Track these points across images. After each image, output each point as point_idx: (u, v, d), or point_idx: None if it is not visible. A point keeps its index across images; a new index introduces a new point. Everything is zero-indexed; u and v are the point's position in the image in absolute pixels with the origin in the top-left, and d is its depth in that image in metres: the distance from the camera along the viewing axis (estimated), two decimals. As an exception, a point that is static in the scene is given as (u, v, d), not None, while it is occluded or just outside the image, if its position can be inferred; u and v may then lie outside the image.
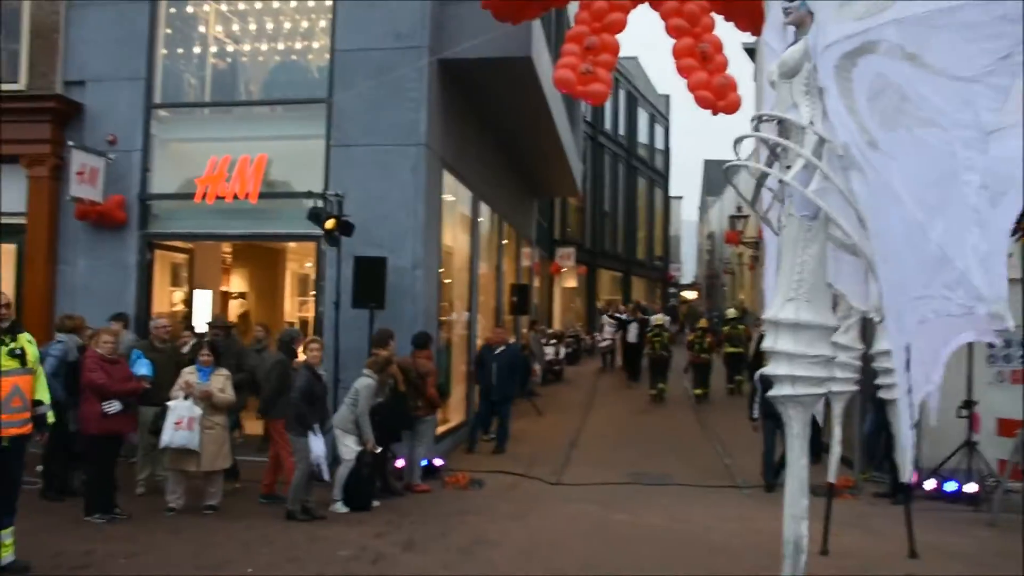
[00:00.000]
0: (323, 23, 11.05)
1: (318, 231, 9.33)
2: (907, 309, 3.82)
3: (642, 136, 38.16)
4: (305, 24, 11.47)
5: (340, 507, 7.87)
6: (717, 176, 50.09)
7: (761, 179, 4.84)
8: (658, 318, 18.58)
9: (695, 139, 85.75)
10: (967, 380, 8.78)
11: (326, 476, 7.65)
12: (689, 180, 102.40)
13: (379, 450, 8.23)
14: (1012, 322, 3.69)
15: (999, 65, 3.21)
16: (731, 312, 20.76)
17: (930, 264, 3.62)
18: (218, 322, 10.16)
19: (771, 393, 4.40)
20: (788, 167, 4.33)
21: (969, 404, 8.81)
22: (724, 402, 17.34)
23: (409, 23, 10.15)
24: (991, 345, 8.80)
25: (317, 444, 7.54)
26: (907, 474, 6.52)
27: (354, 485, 7.92)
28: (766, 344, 4.39)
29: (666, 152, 42.71)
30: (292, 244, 14.00)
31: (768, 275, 5.40)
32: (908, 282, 3.76)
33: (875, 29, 3.58)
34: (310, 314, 15.79)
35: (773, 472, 9.34)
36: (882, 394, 5.35)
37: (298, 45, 11.48)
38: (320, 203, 9.33)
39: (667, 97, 41.97)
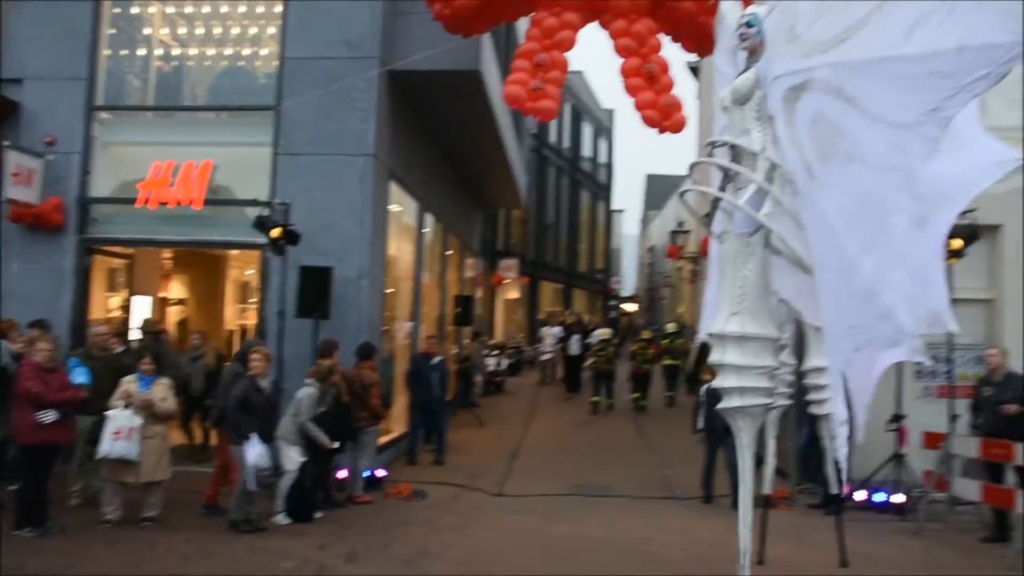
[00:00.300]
0: (272, 30, 10.98)
1: (263, 239, 9.25)
2: (843, 335, 4.02)
3: (586, 150, 38.62)
4: (254, 30, 11.38)
5: (282, 518, 7.81)
6: (658, 190, 50.98)
7: (716, 201, 5.02)
8: (603, 332, 18.82)
9: (637, 153, 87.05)
10: (896, 395, 9.16)
11: (251, 486, 7.47)
12: (631, 194, 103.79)
13: (336, 445, 8.23)
14: (927, 360, 3.93)
15: (929, 117, 3.38)
16: (671, 326, 21.37)
17: (860, 297, 3.81)
18: (147, 327, 9.96)
19: (720, 406, 4.55)
20: (742, 189, 4.51)
21: (897, 418, 9.18)
22: (662, 413, 17.75)
23: (360, 33, 10.18)
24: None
25: (250, 454, 7.42)
26: (838, 486, 6.81)
27: (297, 496, 7.87)
28: (713, 358, 4.55)
29: (609, 166, 43.26)
30: (234, 251, 13.81)
31: (709, 290, 5.57)
32: (843, 310, 3.95)
33: (819, 68, 3.77)
34: (250, 322, 15.64)
35: (709, 484, 9.54)
36: (813, 409, 5.58)
37: (246, 51, 11.38)
38: (266, 211, 9.25)
39: (611, 111, 42.55)
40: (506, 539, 7.70)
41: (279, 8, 10.56)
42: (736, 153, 4.70)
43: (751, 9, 4.79)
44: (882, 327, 3.74)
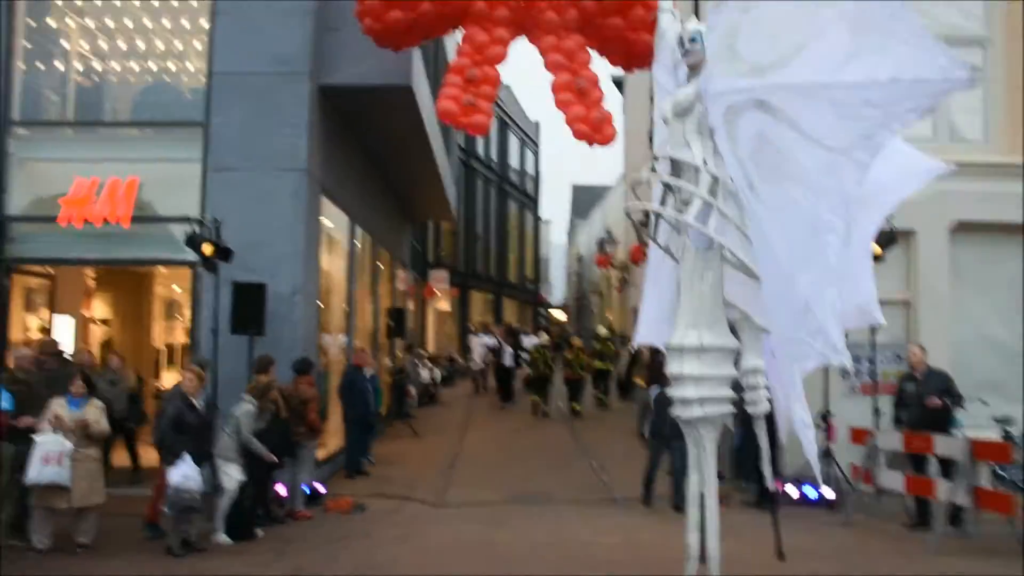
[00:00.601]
0: (199, 45, 10.85)
1: (193, 256, 9.16)
2: (781, 346, 4.24)
3: (513, 161, 38.93)
4: (179, 45, 11.22)
5: (223, 538, 7.72)
6: (585, 200, 51.60)
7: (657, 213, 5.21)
8: (543, 338, 19.98)
9: (563, 163, 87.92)
10: (823, 393, 9.58)
11: (168, 508, 7.31)
12: (558, 204, 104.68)
13: (275, 460, 8.18)
14: (855, 380, 4.19)
15: (862, 143, 3.60)
16: (601, 330, 22.02)
17: (798, 311, 4.01)
18: (47, 348, 9.63)
19: (682, 416, 4.68)
20: (685, 202, 4.68)
21: (826, 415, 9.60)
22: (596, 417, 18.18)
23: (290, 48, 10.16)
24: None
25: (174, 474, 7.28)
26: (772, 482, 7.10)
27: (237, 515, 7.79)
28: (672, 369, 4.69)
29: (536, 176, 43.68)
30: (162, 268, 13.53)
31: (646, 297, 5.72)
32: (784, 322, 4.17)
33: (760, 89, 3.96)
34: (178, 340, 15.32)
35: (650, 487, 9.73)
36: (749, 409, 5.80)
37: (172, 66, 11.20)
38: (197, 228, 9.14)
39: (537, 123, 42.97)
40: (452, 549, 7.76)
41: (206, 23, 10.46)
42: (677, 166, 4.88)
43: (696, 26, 5.00)
44: (815, 343, 3.94)
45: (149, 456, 9.57)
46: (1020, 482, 9.54)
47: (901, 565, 7.30)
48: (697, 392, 4.59)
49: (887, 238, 8.62)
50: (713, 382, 4.59)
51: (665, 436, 8.97)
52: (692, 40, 4.87)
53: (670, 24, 5.66)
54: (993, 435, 8.96)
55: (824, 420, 9.56)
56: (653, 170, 5.07)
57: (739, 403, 5.05)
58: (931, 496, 8.31)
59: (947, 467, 8.27)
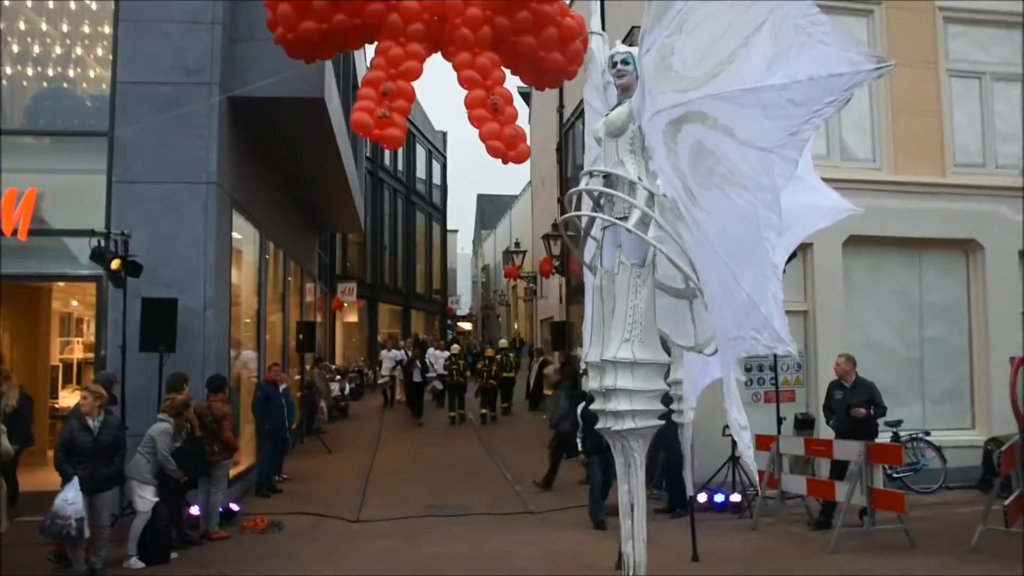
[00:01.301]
0: (101, 52, 10.51)
1: (98, 270, 8.87)
2: (726, 347, 4.46)
3: (420, 172, 38.88)
4: (79, 51, 10.83)
5: (135, 562, 7.46)
6: (490, 210, 51.99)
7: (587, 228, 5.38)
8: (455, 348, 20.53)
9: (469, 174, 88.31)
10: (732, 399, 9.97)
11: (43, 533, 6.96)
12: (463, 213, 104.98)
13: (185, 479, 7.99)
14: (759, 388, 4.44)
15: (790, 140, 3.88)
16: (502, 342, 23.04)
17: (741, 309, 4.23)
18: None
19: (616, 428, 4.85)
20: (622, 218, 4.85)
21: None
22: (507, 427, 18.52)
23: (197, 58, 9.95)
24: (747, 369, 10.15)
25: (58, 498, 6.92)
26: (692, 489, 7.42)
27: (151, 538, 7.55)
28: (606, 383, 4.85)
29: (443, 187, 43.73)
30: (59, 283, 12.97)
31: (587, 316, 5.86)
32: (728, 323, 4.38)
33: (696, 102, 4.19)
34: (75, 356, 14.70)
35: (601, 506, 9.31)
36: (675, 418, 6.06)
37: (71, 73, 10.80)
38: (103, 242, 8.85)
39: (444, 134, 43.06)
40: (375, 565, 7.74)
41: (108, 30, 10.14)
42: (609, 182, 5.07)
43: (624, 48, 5.22)
44: (761, 337, 4.17)
45: (42, 480, 9.16)
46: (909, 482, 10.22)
47: (804, 565, 7.69)
48: (630, 405, 4.76)
49: (790, 254, 9.07)
50: (645, 396, 4.78)
51: (604, 449, 9.14)
52: (624, 62, 5.10)
53: (599, 47, 5.88)
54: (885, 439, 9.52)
55: (729, 428, 9.93)
56: (587, 184, 5.25)
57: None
58: (831, 498, 8.78)
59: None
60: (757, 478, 8.49)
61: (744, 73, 3.93)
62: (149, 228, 9.36)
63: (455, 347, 20.80)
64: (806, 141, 3.93)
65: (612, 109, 5.21)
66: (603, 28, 6.35)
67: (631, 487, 4.91)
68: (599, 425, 5.05)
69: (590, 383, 5.09)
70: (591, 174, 5.32)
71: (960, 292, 12.19)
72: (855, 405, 8.85)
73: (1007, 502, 8.24)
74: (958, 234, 11.92)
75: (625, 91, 5.13)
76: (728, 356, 4.59)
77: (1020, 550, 7.65)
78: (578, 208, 5.67)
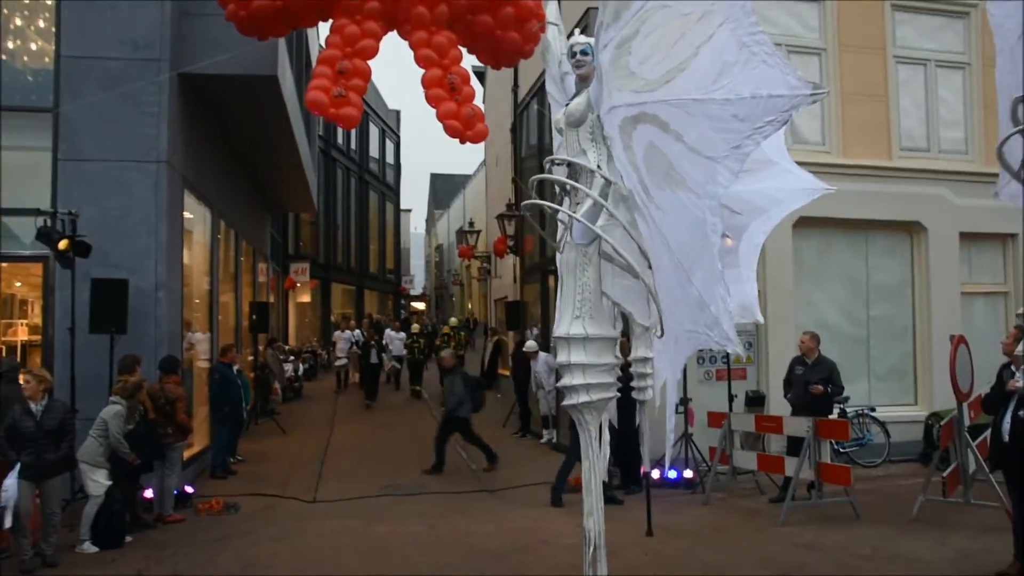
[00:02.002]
0: (43, 24, 10.20)
1: (45, 251, 8.68)
2: (681, 338, 4.56)
3: (373, 151, 38.48)
4: (18, 22, 10.47)
5: (88, 547, 7.36)
6: (444, 189, 51.74)
7: (554, 214, 5.47)
8: (415, 327, 21.41)
9: (422, 153, 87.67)
10: (682, 379, 10.17)
11: (7, 523, 6.85)
12: (416, 192, 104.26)
13: (139, 462, 7.88)
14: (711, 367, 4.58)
15: (732, 152, 3.98)
16: (453, 321, 23.79)
17: (694, 305, 4.35)
18: None
19: (571, 402, 4.95)
20: (579, 204, 4.95)
21: (684, 400, 10.19)
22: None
23: (146, 33, 9.73)
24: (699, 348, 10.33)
25: (6, 486, 6.81)
26: (648, 465, 7.58)
27: (104, 522, 7.46)
28: (560, 359, 4.96)
29: (397, 166, 43.37)
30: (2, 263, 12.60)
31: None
32: (681, 315, 4.49)
33: (650, 104, 4.26)
34: (19, 339, 14.33)
35: (563, 484, 9.34)
36: (636, 395, 6.17)
37: (11, 45, 10.43)
38: (49, 221, 8.64)
39: (397, 112, 42.64)
40: (332, 544, 7.76)
41: (50, 1, 9.84)
42: (573, 170, 5.14)
43: (586, 39, 5.27)
44: (711, 333, 4.30)
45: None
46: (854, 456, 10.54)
47: (754, 538, 7.91)
48: (584, 379, 4.88)
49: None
50: (597, 369, 4.90)
51: None
52: (584, 53, 5.15)
53: (555, 38, 5.93)
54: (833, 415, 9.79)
55: (683, 405, 10.15)
56: (549, 171, 5.33)
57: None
58: (780, 472, 9.03)
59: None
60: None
61: (693, 82, 4.03)
62: (97, 207, 9.18)
63: (415, 326, 21.42)
64: (747, 155, 4.03)
65: (571, 99, 5.27)
66: (560, 16, 6.40)
67: (594, 463, 5.01)
68: (564, 402, 5.15)
69: (558, 357, 5.18)
70: (555, 162, 5.39)
71: (904, 273, 12.55)
72: (813, 382, 9.10)
73: (945, 474, 8.58)
74: (903, 216, 12.25)
75: (584, 80, 5.19)
76: (684, 347, 4.72)
77: (957, 519, 7.99)
78: (540, 193, 5.76)
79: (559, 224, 5.51)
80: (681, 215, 4.24)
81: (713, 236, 4.14)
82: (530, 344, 14.00)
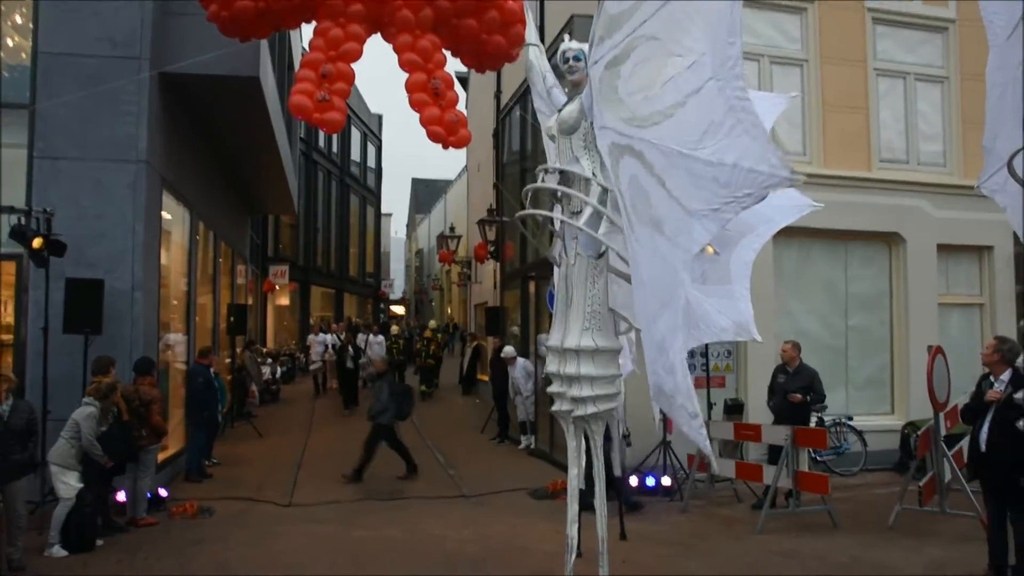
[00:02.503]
0: (19, 19, 10.07)
1: (18, 249, 8.55)
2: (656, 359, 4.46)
3: (355, 154, 38.35)
4: (-4, 18, 10.33)
5: (58, 550, 7.24)
6: (425, 194, 51.64)
7: (546, 223, 5.45)
8: (395, 329, 22.21)
9: (404, 158, 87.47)
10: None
11: None
12: (397, 197, 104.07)
13: (112, 464, 7.76)
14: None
15: (711, 214, 3.91)
16: (432, 324, 24.37)
17: (656, 345, 4.29)
18: None
19: (578, 413, 4.95)
20: (575, 213, 4.92)
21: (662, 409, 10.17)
22: (435, 409, 18.59)
23: (126, 31, 9.64)
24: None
25: None
26: (620, 470, 7.57)
27: (75, 525, 7.33)
28: (568, 370, 4.93)
29: (378, 170, 43.23)
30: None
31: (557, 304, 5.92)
32: (647, 351, 4.40)
33: (637, 141, 4.21)
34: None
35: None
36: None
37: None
38: (23, 219, 8.51)
39: (379, 116, 42.54)
40: (307, 549, 7.68)
41: (29, -4, 9.73)
42: (566, 178, 5.12)
43: (576, 45, 5.25)
44: (667, 379, 4.21)
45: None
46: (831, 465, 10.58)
47: (732, 545, 7.92)
48: (592, 391, 4.89)
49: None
50: (604, 381, 4.92)
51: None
52: (576, 59, 5.15)
53: (537, 57, 5.92)
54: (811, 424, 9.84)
55: (662, 412, 10.12)
56: (542, 180, 5.29)
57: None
58: (759, 481, 9.05)
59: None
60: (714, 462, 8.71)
61: (680, 133, 3.96)
62: (73, 206, 9.07)
63: (395, 328, 22.07)
64: (726, 220, 3.95)
65: (564, 105, 5.26)
66: (541, 38, 6.40)
67: (581, 471, 5.03)
68: (554, 408, 5.14)
69: (548, 366, 5.17)
70: (547, 170, 5.36)
71: (883, 283, 12.64)
72: (793, 390, 9.14)
73: (922, 483, 8.64)
74: (882, 227, 12.34)
75: (576, 87, 5.18)
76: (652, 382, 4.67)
77: (933, 528, 8.04)
78: (535, 203, 5.71)
79: (554, 234, 5.48)
80: (654, 255, 4.19)
81: (679, 288, 4.11)
82: (508, 350, 13.93)
